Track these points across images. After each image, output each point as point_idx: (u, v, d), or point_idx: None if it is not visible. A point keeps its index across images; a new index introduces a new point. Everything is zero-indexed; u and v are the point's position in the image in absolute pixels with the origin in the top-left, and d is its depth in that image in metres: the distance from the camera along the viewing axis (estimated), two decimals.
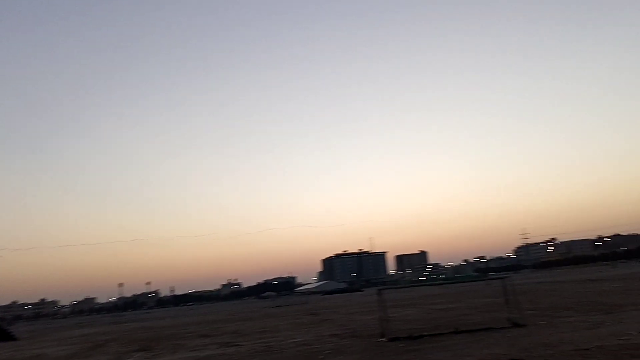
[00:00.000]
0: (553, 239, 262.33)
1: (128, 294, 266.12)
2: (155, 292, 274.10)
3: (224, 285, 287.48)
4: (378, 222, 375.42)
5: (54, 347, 31.96)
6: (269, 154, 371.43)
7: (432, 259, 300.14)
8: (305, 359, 15.06)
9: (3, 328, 49.01)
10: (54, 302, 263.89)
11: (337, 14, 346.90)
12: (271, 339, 21.58)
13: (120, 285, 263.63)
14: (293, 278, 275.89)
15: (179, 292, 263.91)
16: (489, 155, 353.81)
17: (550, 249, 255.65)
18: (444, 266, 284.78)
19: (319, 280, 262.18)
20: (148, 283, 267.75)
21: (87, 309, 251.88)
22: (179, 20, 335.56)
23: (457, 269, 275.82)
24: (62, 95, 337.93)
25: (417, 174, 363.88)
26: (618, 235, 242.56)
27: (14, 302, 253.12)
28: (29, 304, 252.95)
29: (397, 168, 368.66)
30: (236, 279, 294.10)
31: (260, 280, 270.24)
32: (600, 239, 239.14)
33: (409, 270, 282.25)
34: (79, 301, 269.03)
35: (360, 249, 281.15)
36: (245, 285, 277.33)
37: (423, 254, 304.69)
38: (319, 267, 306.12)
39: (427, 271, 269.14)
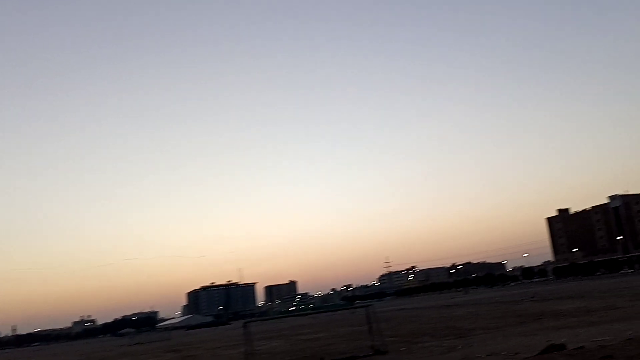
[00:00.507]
0: (413, 267, 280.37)
1: None
2: None
3: (75, 323, 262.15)
4: (247, 252, 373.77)
5: None
6: (131, 183, 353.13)
7: (301, 289, 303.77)
8: None
9: None
10: None
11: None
12: None
13: None
14: (155, 313, 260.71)
15: (22, 331, 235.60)
16: (356, 187, 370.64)
17: (411, 276, 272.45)
18: (312, 295, 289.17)
19: (184, 314, 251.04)
20: None
21: None
22: None
23: (325, 297, 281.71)
24: None
25: (287, 204, 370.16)
26: (469, 263, 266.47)
27: None
28: None
29: (267, 198, 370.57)
30: (90, 316, 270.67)
31: (118, 316, 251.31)
32: (454, 266, 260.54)
33: (278, 301, 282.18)
34: None
35: (229, 281, 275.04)
36: (100, 322, 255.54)
37: (292, 284, 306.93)
38: (183, 301, 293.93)
39: (296, 301, 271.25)
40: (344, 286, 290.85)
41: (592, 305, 27.88)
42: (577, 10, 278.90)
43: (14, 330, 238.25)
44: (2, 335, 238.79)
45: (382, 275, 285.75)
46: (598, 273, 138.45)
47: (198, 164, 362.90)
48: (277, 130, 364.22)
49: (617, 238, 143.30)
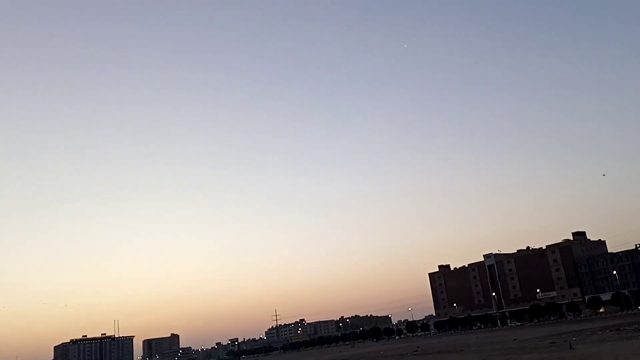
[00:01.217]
0: (302, 320, 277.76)
1: None
2: None
3: None
4: (124, 302, 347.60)
5: None
6: None
7: (183, 343, 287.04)
8: None
9: None
10: None
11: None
12: None
13: None
14: None
15: None
16: (244, 238, 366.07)
17: (299, 330, 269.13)
18: (196, 350, 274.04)
19: None
20: None
21: None
22: None
23: (210, 352, 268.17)
24: None
25: (169, 252, 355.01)
26: (357, 316, 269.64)
27: None
28: None
29: (147, 246, 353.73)
30: None
31: None
32: (342, 319, 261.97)
33: (157, 357, 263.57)
34: None
35: (103, 334, 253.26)
36: None
37: (175, 337, 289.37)
38: (51, 355, 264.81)
39: (177, 356, 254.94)
40: (230, 340, 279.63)
41: (470, 359, 28.55)
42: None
43: None
44: None
45: (270, 329, 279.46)
46: (475, 327, 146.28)
47: (73, 204, 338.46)
48: (158, 175, 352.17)
49: (492, 294, 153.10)
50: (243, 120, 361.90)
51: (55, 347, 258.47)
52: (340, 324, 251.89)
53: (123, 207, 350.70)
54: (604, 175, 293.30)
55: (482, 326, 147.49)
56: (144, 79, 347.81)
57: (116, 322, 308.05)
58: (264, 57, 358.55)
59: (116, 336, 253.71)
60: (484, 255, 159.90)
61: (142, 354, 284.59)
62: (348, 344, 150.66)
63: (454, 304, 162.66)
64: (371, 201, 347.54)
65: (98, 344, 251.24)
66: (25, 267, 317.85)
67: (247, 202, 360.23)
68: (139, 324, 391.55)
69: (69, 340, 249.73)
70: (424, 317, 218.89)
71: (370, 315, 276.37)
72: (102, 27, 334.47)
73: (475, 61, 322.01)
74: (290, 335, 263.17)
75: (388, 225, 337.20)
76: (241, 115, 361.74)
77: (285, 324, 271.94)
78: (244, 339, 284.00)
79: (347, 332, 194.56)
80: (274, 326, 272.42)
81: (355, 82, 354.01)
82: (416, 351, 48.20)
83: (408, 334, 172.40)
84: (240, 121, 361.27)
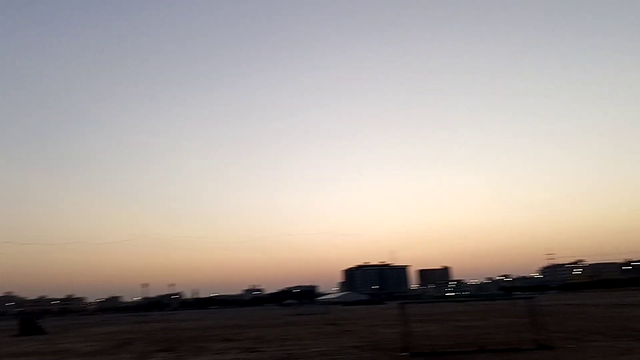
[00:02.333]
0: (580, 260, 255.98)
1: (152, 295, 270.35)
2: (179, 294, 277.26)
3: (246, 291, 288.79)
4: (400, 234, 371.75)
5: (81, 342, 32.69)
6: (291, 159, 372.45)
7: (455, 275, 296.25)
8: None
9: (33, 322, 50.31)
10: (80, 299, 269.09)
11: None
12: (293, 347, 21.69)
13: (145, 285, 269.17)
14: (314, 287, 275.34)
15: (201, 295, 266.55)
16: (517, 173, 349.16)
17: (577, 271, 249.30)
18: (467, 283, 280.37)
19: (340, 290, 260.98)
20: (172, 285, 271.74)
21: (112, 307, 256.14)
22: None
23: (481, 286, 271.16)
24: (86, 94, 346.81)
25: (443, 188, 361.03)
26: None
27: (42, 297, 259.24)
28: (56, 299, 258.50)
29: (422, 181, 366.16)
30: (258, 285, 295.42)
31: (282, 287, 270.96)
32: (628, 263, 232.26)
33: (431, 285, 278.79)
34: (105, 299, 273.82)
35: (382, 261, 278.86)
36: (267, 292, 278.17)
37: (446, 270, 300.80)
38: (340, 277, 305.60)
39: (450, 287, 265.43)
40: (501, 276, 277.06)
41: None
42: None
43: (195, 293, 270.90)
44: (186, 298, 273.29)
45: (544, 267, 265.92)
46: None
47: (364, 147, 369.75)
48: (430, 115, 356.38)
49: None
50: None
51: (343, 271, 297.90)
52: (626, 267, 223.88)
53: (411, 150, 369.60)
54: None
55: None
56: None
57: (393, 252, 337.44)
58: None
59: (393, 264, 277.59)
60: None
61: (416, 282, 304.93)
62: (637, 289, 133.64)
63: None
64: None
65: (378, 270, 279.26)
66: (329, 201, 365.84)
67: (515, 139, 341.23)
68: (413, 255, 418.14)
69: (354, 265, 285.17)
70: None
71: None
72: None
73: None
74: (566, 275, 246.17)
75: None
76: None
77: (560, 264, 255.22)
78: (516, 275, 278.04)
79: (635, 276, 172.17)
80: (548, 265, 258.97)
81: None
82: None
83: None
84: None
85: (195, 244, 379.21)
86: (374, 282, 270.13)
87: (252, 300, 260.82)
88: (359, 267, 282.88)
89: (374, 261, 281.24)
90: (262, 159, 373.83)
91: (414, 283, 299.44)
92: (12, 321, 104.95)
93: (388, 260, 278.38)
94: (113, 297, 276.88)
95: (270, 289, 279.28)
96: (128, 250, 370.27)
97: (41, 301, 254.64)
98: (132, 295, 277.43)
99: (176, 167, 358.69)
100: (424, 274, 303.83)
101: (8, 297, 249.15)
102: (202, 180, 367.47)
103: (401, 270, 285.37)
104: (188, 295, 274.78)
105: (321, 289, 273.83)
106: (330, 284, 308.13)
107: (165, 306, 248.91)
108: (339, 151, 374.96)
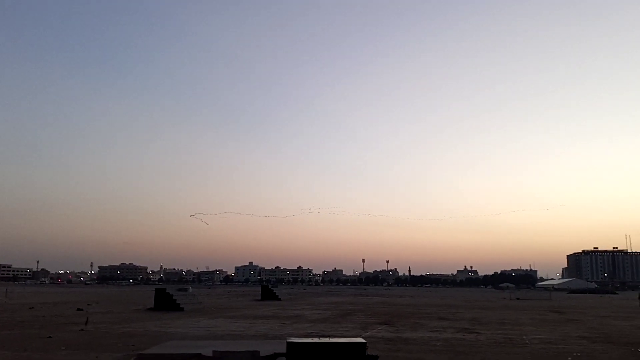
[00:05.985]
0: None
1: (369, 270, 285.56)
2: (394, 270, 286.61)
3: (459, 271, 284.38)
4: (637, 216, 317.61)
5: (310, 310, 36.78)
6: (517, 140, 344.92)
7: None
8: (550, 359, 14.36)
9: (270, 289, 58.13)
10: (308, 270, 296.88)
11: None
12: (511, 332, 21.14)
13: (363, 260, 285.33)
14: (534, 272, 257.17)
15: (415, 272, 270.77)
16: None
17: None
18: None
19: (564, 277, 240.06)
20: (387, 261, 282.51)
21: (334, 279, 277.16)
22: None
23: None
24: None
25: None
26: None
27: (277, 267, 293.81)
28: (288, 270, 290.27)
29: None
30: (472, 266, 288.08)
31: (496, 269, 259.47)
32: None
33: None
34: (329, 271, 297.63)
35: (615, 247, 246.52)
36: (480, 274, 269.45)
37: None
38: (563, 263, 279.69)
39: None
40: None
41: None
42: None
43: (409, 271, 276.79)
44: (401, 274, 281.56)
45: None
46: None
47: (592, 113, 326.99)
48: None
49: None
50: None
51: (568, 256, 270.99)
52: None
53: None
54: None
55: None
56: None
57: (628, 237, 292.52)
58: None
59: (628, 251, 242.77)
60: None
61: None
62: None
63: None
64: None
65: (610, 257, 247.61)
66: (546, 177, 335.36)
67: None
68: None
69: (580, 251, 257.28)
70: None
71: None
72: None
73: None
74: None
75: None
76: None
77: None
78: None
79: None
80: None
81: None
82: None
83: None
84: None
85: (411, 223, 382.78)
86: (604, 270, 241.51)
87: (466, 281, 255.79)
88: (587, 252, 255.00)
89: (604, 246, 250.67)
90: (493, 140, 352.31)
91: None
92: (254, 287, 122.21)
93: (622, 247, 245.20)
94: (336, 270, 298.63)
95: (484, 271, 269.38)
96: (348, 227, 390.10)
97: (276, 271, 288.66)
98: (352, 270, 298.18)
99: (401, 152, 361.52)
100: None
101: (251, 267, 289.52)
102: (423, 163, 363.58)
103: (638, 257, 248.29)
104: (403, 272, 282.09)
105: (541, 274, 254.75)
106: (552, 270, 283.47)
107: (381, 281, 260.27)
108: (559, 117, 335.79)
